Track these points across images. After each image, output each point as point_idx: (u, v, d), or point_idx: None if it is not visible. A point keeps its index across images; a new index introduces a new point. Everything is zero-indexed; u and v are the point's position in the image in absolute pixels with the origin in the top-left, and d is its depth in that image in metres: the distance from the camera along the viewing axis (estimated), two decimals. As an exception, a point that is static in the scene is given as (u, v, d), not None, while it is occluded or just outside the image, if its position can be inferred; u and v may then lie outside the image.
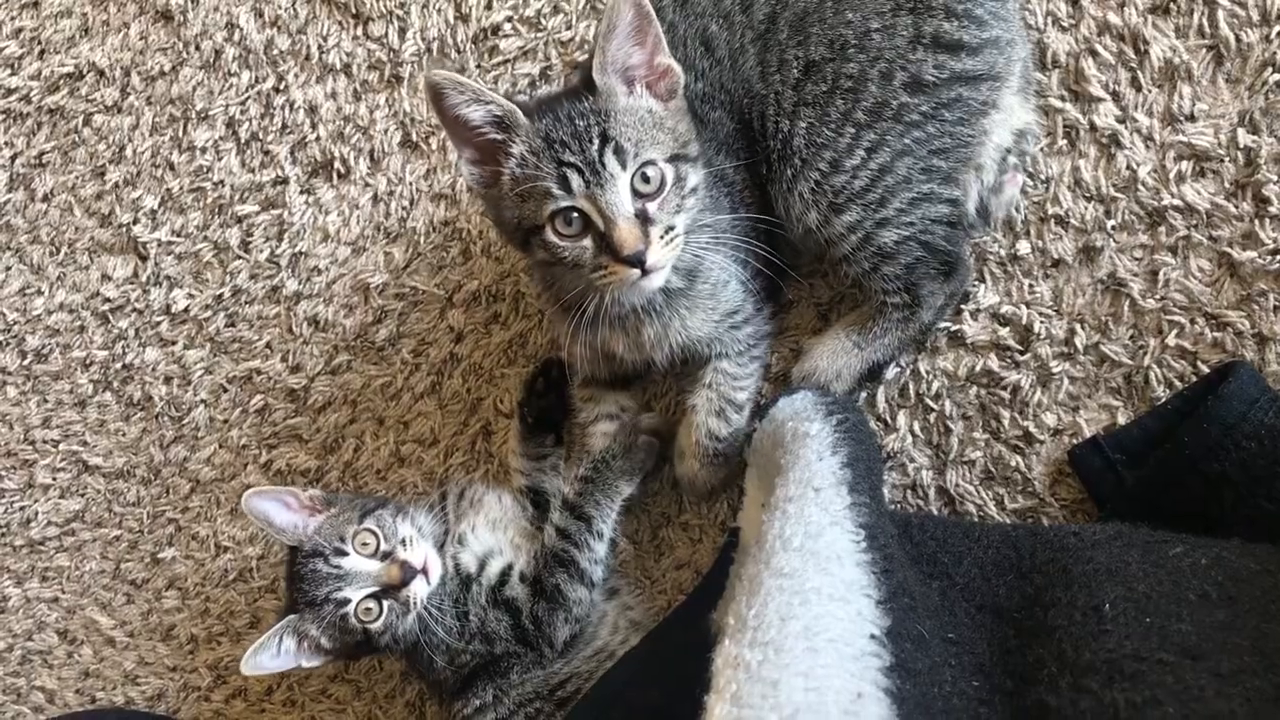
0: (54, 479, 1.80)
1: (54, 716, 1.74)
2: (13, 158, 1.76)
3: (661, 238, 1.04)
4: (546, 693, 1.27)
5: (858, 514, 0.92)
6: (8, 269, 1.78)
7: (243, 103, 1.61)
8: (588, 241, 1.04)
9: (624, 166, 1.02)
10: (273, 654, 1.26)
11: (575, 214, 1.03)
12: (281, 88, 1.58)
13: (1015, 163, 1.18)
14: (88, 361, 1.74)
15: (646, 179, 1.03)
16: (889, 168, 1.09)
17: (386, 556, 1.25)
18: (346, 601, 1.23)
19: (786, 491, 0.95)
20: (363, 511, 1.29)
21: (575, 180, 1.01)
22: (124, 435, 1.73)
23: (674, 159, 1.05)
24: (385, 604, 1.24)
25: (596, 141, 1.01)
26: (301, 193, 1.58)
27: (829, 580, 0.81)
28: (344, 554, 1.25)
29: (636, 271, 1.03)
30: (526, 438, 1.42)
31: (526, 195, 1.04)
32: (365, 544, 1.26)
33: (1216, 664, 0.72)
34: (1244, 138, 1.14)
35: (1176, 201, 1.17)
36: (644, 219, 1.03)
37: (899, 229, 1.11)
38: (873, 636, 0.77)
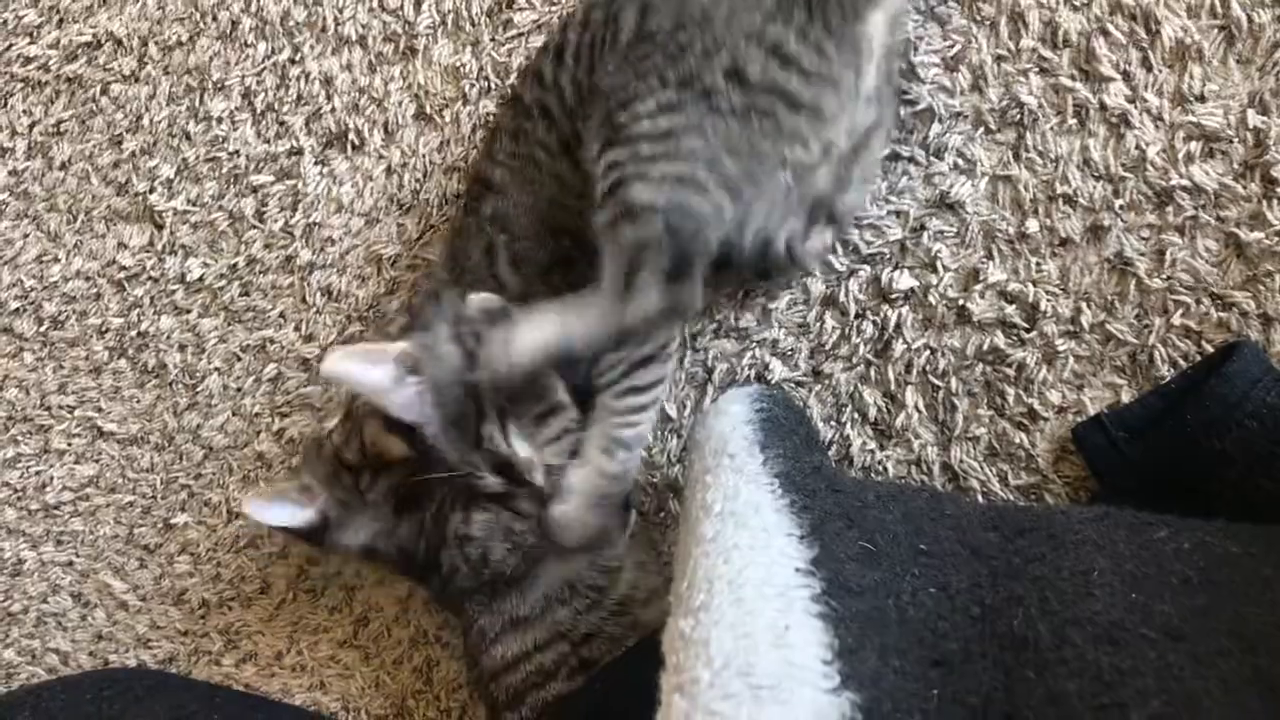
0: (69, 444, 1.82)
1: (66, 676, 1.77)
2: (31, 126, 1.77)
3: None
4: (578, 639, 1.27)
5: (771, 466, 0.93)
6: (25, 236, 1.79)
7: (259, 74, 1.62)
8: None
9: None
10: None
11: None
12: (297, 59, 1.59)
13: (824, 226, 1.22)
14: (103, 329, 1.76)
15: None
16: (674, 134, 1.02)
17: None
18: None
19: (704, 464, 0.97)
20: None
21: None
22: (138, 402, 1.76)
23: None
24: None
25: None
26: (316, 164, 1.59)
27: (747, 533, 0.82)
28: None
29: None
30: None
31: None
32: None
33: (1194, 646, 0.74)
34: (1253, 118, 1.15)
35: (1185, 182, 1.18)
36: None
37: (652, 191, 1.02)
38: (797, 570, 0.77)
